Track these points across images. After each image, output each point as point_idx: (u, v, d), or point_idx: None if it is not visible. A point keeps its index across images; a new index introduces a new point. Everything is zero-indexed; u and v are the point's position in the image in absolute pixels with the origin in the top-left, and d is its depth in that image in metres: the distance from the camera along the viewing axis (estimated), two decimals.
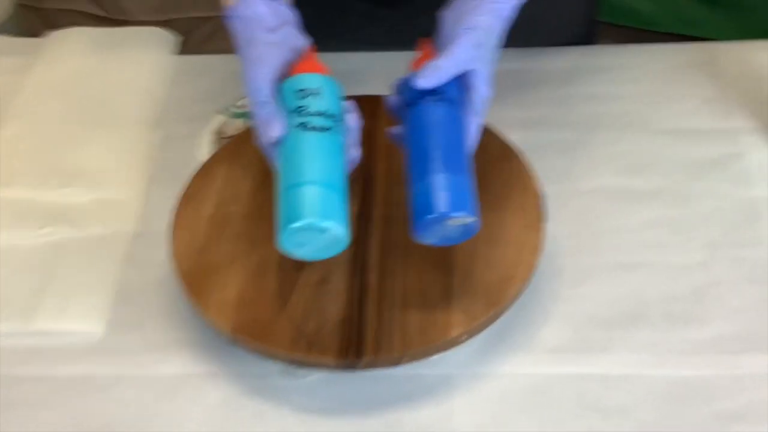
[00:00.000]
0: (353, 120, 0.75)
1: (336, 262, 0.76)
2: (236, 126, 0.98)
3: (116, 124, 0.99)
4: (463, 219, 0.68)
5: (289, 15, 0.78)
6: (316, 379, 0.76)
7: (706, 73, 1.00)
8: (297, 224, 0.65)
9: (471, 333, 0.72)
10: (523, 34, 1.02)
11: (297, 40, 0.77)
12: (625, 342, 0.77)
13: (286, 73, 0.75)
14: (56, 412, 0.76)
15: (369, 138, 0.86)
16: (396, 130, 0.75)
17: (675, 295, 0.80)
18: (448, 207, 0.68)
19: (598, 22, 1.13)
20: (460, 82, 0.74)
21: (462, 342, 0.72)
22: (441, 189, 0.68)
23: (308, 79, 0.73)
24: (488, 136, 0.85)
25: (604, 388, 0.74)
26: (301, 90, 0.72)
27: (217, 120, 0.98)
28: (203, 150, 0.95)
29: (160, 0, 1.83)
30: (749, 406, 0.72)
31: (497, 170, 0.82)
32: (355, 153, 0.75)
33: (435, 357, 0.72)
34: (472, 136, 0.74)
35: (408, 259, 0.76)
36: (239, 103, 1.00)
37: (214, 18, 1.81)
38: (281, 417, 0.74)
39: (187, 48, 1.12)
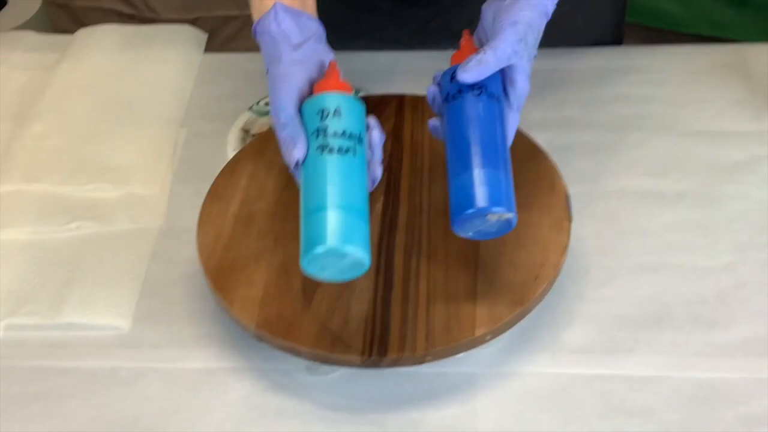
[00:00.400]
0: (376, 136, 0.74)
1: None
2: (262, 124, 0.98)
3: (144, 121, 1.00)
4: (502, 214, 0.68)
5: (314, 28, 0.79)
6: (339, 376, 0.76)
7: (735, 74, 0.99)
8: (319, 250, 0.66)
9: (495, 332, 0.72)
10: (550, 34, 1.02)
11: (322, 54, 0.77)
12: (649, 343, 0.76)
13: (310, 91, 0.75)
14: (81, 404, 0.76)
15: (395, 136, 0.87)
16: (435, 122, 0.75)
17: (701, 297, 0.79)
18: (488, 202, 0.68)
19: (626, 23, 1.12)
20: (501, 77, 0.74)
21: (486, 341, 0.72)
22: (481, 183, 0.68)
23: (328, 99, 0.72)
24: (515, 136, 0.85)
25: (629, 389, 0.74)
26: (322, 110, 0.72)
27: (243, 118, 0.99)
28: (229, 148, 0.95)
29: None
30: None
31: (524, 170, 0.82)
32: (378, 170, 0.74)
33: (459, 356, 0.72)
34: (511, 132, 0.74)
35: (433, 258, 0.76)
36: (265, 102, 1.00)
37: (240, 16, 1.82)
38: (304, 413, 0.74)
39: (212, 46, 1.13)
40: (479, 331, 0.71)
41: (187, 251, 0.84)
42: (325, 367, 0.75)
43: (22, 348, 0.81)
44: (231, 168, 0.86)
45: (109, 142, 0.97)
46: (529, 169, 0.82)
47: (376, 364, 0.71)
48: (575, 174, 0.86)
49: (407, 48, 1.05)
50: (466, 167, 0.69)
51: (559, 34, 1.02)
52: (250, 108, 1.00)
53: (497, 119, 0.72)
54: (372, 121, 0.75)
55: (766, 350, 0.75)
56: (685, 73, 1.00)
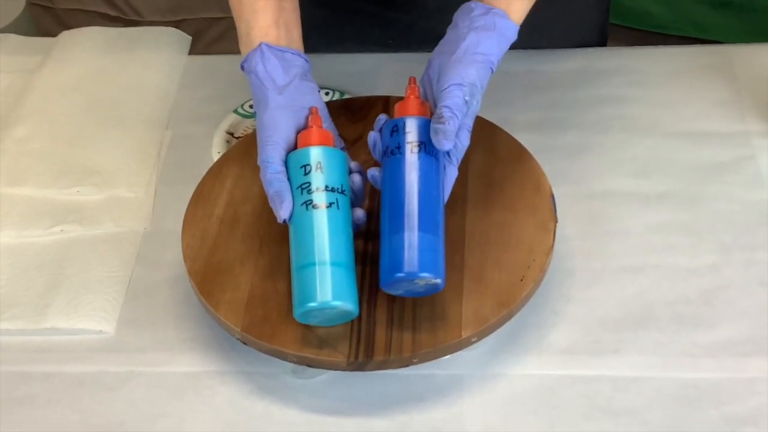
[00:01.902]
0: (357, 181, 0.76)
1: None
2: (246, 126, 0.98)
3: (128, 123, 0.99)
4: (430, 279, 0.69)
5: (299, 64, 0.79)
6: (325, 379, 0.76)
7: (719, 75, 1.00)
8: (310, 305, 0.70)
9: (481, 334, 0.72)
10: (534, 38, 1.02)
11: (307, 94, 0.78)
12: (635, 344, 0.77)
13: (296, 137, 0.76)
14: (66, 409, 0.76)
15: None
16: (375, 171, 0.75)
17: (685, 298, 0.80)
18: (418, 267, 0.69)
19: (610, 25, 1.12)
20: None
21: (472, 343, 0.72)
22: (413, 247, 0.69)
23: (310, 154, 0.75)
24: (500, 137, 0.85)
25: (614, 390, 0.74)
26: (305, 165, 0.74)
27: (228, 120, 0.98)
28: (214, 150, 0.95)
29: (171, 0, 1.83)
30: (759, 410, 0.72)
31: (509, 171, 0.82)
32: (360, 213, 0.75)
33: (446, 358, 0.72)
34: (449, 186, 0.74)
35: None
36: (249, 104, 1.00)
37: (225, 19, 1.82)
38: (290, 416, 0.74)
39: (197, 48, 1.12)
40: (465, 333, 0.71)
41: (172, 254, 0.83)
42: (311, 370, 0.75)
43: (6, 353, 0.80)
44: (216, 170, 0.86)
45: (93, 145, 0.97)
46: (515, 170, 0.82)
47: (362, 367, 0.71)
48: (560, 175, 0.86)
49: (392, 50, 1.05)
50: (400, 228, 0.70)
51: (543, 38, 1.03)
52: (235, 110, 0.99)
53: (435, 177, 0.73)
54: (353, 165, 0.77)
55: (750, 350, 0.76)
56: (669, 74, 1.01)
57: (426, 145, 0.73)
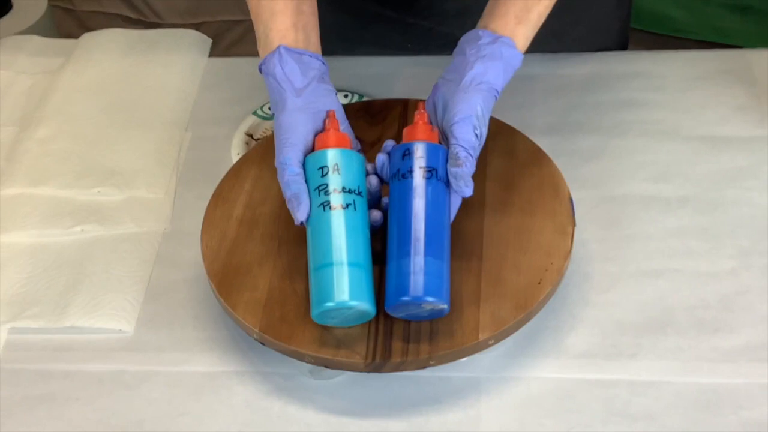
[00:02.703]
0: (374, 183, 0.76)
1: None
2: (266, 128, 0.98)
3: (148, 124, 1.00)
4: (435, 305, 0.70)
5: (317, 66, 0.80)
6: (342, 380, 0.76)
7: (738, 80, 0.99)
8: (327, 305, 0.70)
9: (499, 337, 0.72)
10: (554, 43, 1.02)
11: (324, 97, 0.79)
12: (653, 348, 0.76)
13: (314, 140, 0.77)
14: (85, 407, 0.76)
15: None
16: (386, 200, 0.76)
17: (704, 303, 0.79)
18: (424, 292, 0.69)
19: (631, 30, 1.12)
20: (438, 152, 0.75)
21: (490, 346, 0.72)
22: (420, 272, 0.70)
23: (327, 156, 0.75)
24: (519, 140, 0.85)
25: (632, 394, 0.74)
26: (322, 167, 0.75)
27: (247, 122, 0.99)
28: (233, 151, 0.96)
29: (191, 3, 1.85)
30: None
31: (528, 175, 0.82)
32: (376, 214, 0.76)
33: (462, 360, 0.72)
34: (453, 213, 0.75)
35: None
36: (269, 106, 1.00)
37: (244, 21, 1.82)
38: (307, 417, 0.74)
39: (217, 50, 1.13)
40: (483, 336, 0.71)
41: (191, 255, 0.84)
42: (328, 371, 0.75)
43: (26, 351, 0.81)
44: (235, 172, 0.86)
45: (113, 146, 0.97)
46: (533, 173, 0.82)
47: (379, 369, 0.71)
48: (579, 179, 0.86)
49: (412, 54, 1.05)
50: (407, 253, 0.70)
51: (563, 43, 1.03)
52: (254, 112, 1.00)
53: (443, 203, 0.73)
54: (369, 167, 0.77)
55: None
56: (689, 79, 1.00)
57: (436, 171, 0.74)
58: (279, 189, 0.83)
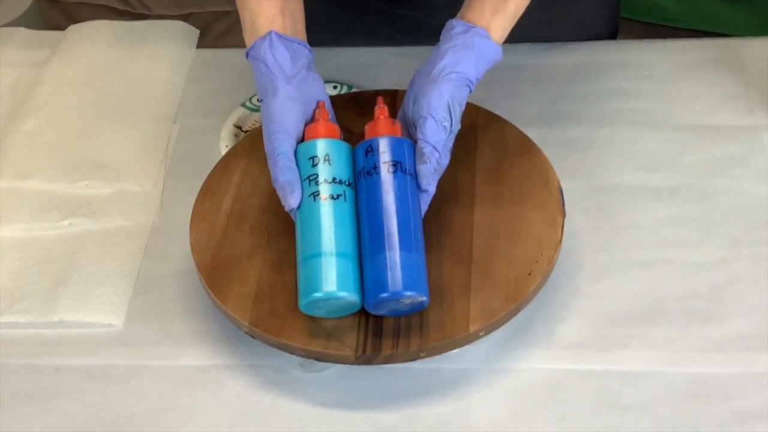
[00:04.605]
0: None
1: None
2: (254, 120, 0.98)
3: (136, 117, 0.99)
4: (414, 298, 0.70)
5: (305, 55, 0.79)
6: (333, 372, 0.76)
7: (728, 69, 0.99)
8: (315, 295, 0.70)
9: (489, 328, 0.72)
10: (543, 33, 1.02)
11: (312, 85, 0.78)
12: (643, 339, 0.77)
13: (303, 132, 0.77)
14: (74, 402, 0.76)
15: None
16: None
17: (694, 293, 0.79)
18: (402, 286, 0.69)
19: (620, 19, 1.12)
20: (402, 145, 0.75)
21: (480, 337, 0.72)
22: (396, 267, 0.69)
23: (318, 146, 0.75)
24: (509, 130, 0.85)
25: (623, 384, 0.74)
26: (313, 157, 0.74)
27: (236, 114, 0.98)
28: (222, 144, 0.95)
29: None
30: None
31: (517, 165, 0.82)
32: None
33: (453, 352, 0.72)
34: (425, 205, 0.75)
35: (426, 254, 0.76)
36: (257, 98, 1.00)
37: (232, 13, 1.81)
38: (298, 410, 0.74)
39: (205, 42, 1.12)
40: (473, 327, 0.71)
41: (180, 248, 0.83)
42: (319, 364, 0.75)
43: (15, 346, 0.80)
44: (224, 164, 0.86)
45: (101, 139, 0.97)
46: (523, 164, 0.82)
47: (370, 361, 0.71)
48: (569, 169, 0.86)
49: (400, 45, 1.05)
50: (381, 249, 0.70)
51: (552, 32, 1.02)
52: (243, 104, 0.99)
53: (412, 195, 0.73)
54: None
55: (759, 345, 0.75)
56: (678, 68, 1.00)
57: (401, 164, 0.73)
58: (268, 181, 0.83)
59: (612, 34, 1.09)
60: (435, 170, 0.74)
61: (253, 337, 0.74)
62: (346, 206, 0.73)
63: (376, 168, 0.74)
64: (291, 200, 0.73)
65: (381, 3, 1.06)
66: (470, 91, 0.76)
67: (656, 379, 0.74)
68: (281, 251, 0.77)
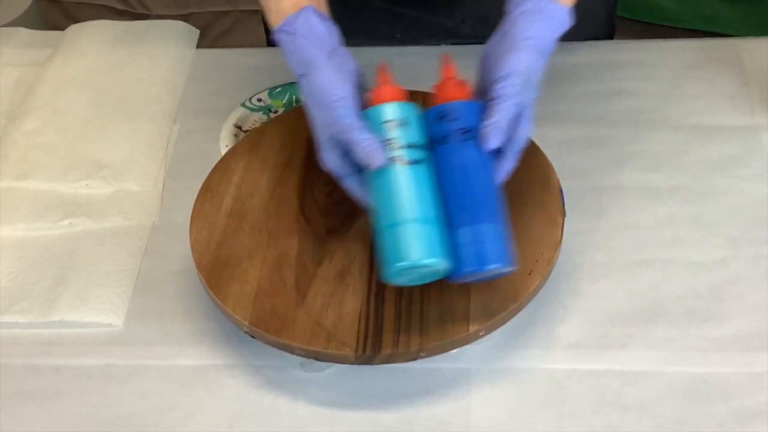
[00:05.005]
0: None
1: (354, 256, 0.76)
2: (254, 120, 0.98)
3: (136, 117, 0.99)
4: (502, 270, 0.69)
5: (336, 32, 0.77)
6: (333, 372, 0.76)
7: (728, 69, 0.99)
8: (402, 264, 0.68)
9: (489, 328, 0.72)
10: None
11: (349, 62, 0.76)
12: (643, 339, 0.77)
13: (354, 101, 0.73)
14: (74, 402, 0.76)
15: None
16: None
17: (694, 292, 0.79)
18: (490, 260, 0.68)
19: (619, 18, 1.12)
20: (478, 111, 0.72)
21: (480, 337, 0.72)
22: (482, 241, 0.68)
23: (394, 109, 0.72)
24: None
25: (623, 384, 0.74)
26: (388, 121, 0.71)
27: (236, 114, 0.98)
28: (222, 144, 0.95)
29: None
30: None
31: (518, 165, 0.81)
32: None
33: (453, 352, 0.72)
34: (505, 176, 0.73)
35: None
36: (257, 97, 1.00)
37: (232, 13, 1.82)
38: (298, 410, 0.74)
39: (205, 42, 1.13)
40: (473, 327, 0.71)
41: (180, 248, 0.83)
42: (319, 364, 0.75)
43: (15, 346, 0.80)
44: (224, 164, 0.86)
45: (101, 139, 0.97)
46: (523, 164, 0.81)
47: (370, 361, 0.71)
48: (569, 169, 0.86)
49: (400, 44, 1.05)
50: (465, 221, 0.69)
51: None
52: (243, 104, 0.99)
53: (490, 164, 0.72)
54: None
55: (759, 345, 0.76)
56: (678, 68, 1.00)
57: (475, 130, 0.71)
58: (268, 181, 0.83)
59: (609, 35, 1.09)
60: (498, 127, 0.70)
61: (253, 336, 0.74)
62: (426, 171, 0.71)
63: (451, 136, 0.71)
64: (380, 156, 0.69)
65: (381, 1, 1.06)
66: (546, 58, 0.74)
67: (656, 378, 0.74)
68: (281, 251, 0.77)
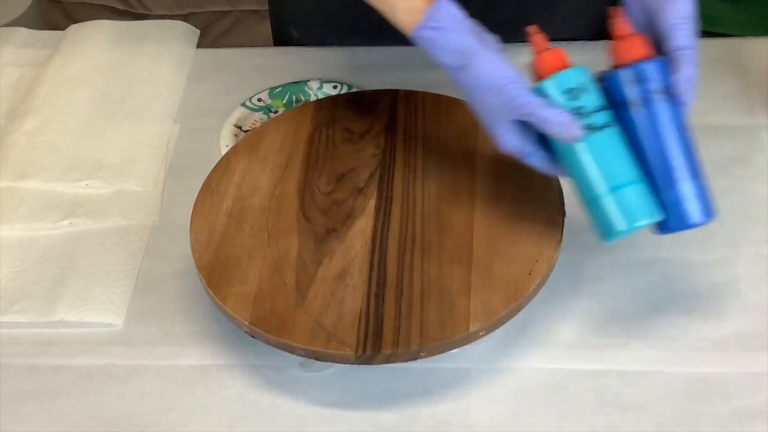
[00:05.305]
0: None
1: (354, 256, 0.76)
2: (255, 119, 0.98)
3: (136, 116, 0.99)
4: (709, 222, 0.73)
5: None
6: (333, 372, 0.76)
7: (728, 69, 0.99)
8: (638, 224, 0.71)
9: (490, 328, 0.72)
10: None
11: (495, 41, 0.74)
12: (644, 338, 0.77)
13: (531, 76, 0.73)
14: (74, 402, 0.76)
15: (389, 131, 0.86)
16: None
17: (694, 292, 0.79)
18: (702, 216, 0.72)
19: None
20: (666, 67, 0.72)
21: (480, 337, 0.72)
22: (692, 198, 0.72)
23: (573, 77, 0.71)
24: None
25: (623, 384, 0.74)
26: (570, 90, 0.71)
27: (236, 114, 0.98)
28: (222, 143, 0.95)
29: None
30: None
31: (517, 164, 0.81)
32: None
33: (453, 351, 0.72)
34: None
35: (426, 253, 0.76)
36: (258, 97, 1.00)
37: (233, 12, 1.82)
38: (298, 409, 0.74)
39: (205, 42, 1.13)
40: (473, 327, 0.71)
41: (180, 248, 0.83)
42: (319, 364, 0.75)
43: (14, 346, 0.80)
44: (224, 164, 0.86)
45: (101, 139, 0.97)
46: (523, 164, 0.82)
47: (370, 361, 0.71)
48: None
49: (403, 43, 1.05)
50: (674, 181, 0.72)
51: (547, 31, 1.02)
52: (243, 104, 0.99)
53: (682, 120, 0.73)
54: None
55: (759, 344, 0.75)
56: None
57: (666, 87, 0.72)
58: (268, 181, 0.83)
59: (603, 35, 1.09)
60: (696, 81, 0.71)
61: (253, 336, 0.74)
62: (617, 132, 0.71)
63: (648, 98, 0.71)
64: (576, 128, 0.69)
65: None
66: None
67: (656, 378, 0.74)
68: (281, 251, 0.77)
